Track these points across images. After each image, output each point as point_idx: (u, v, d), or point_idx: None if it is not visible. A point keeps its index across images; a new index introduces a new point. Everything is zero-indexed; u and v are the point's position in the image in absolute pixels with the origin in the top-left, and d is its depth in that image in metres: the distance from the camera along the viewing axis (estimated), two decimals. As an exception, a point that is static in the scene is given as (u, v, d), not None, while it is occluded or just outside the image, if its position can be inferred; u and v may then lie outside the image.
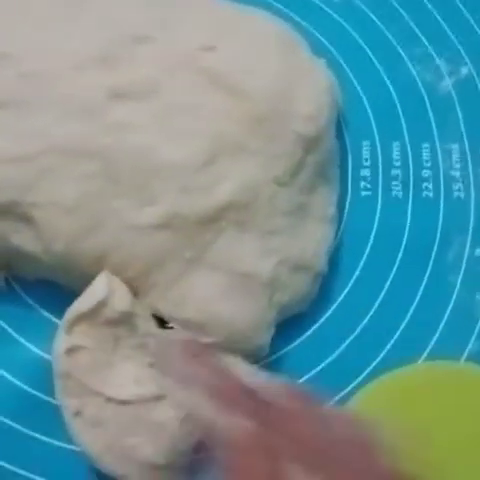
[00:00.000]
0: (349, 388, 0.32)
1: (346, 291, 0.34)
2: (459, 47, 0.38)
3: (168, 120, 0.29)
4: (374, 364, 0.33)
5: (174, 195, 0.28)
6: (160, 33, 0.30)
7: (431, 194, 0.35)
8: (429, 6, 0.39)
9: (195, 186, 0.28)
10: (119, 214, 0.29)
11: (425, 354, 0.33)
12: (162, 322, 0.30)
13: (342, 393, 0.32)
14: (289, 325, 0.33)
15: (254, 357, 0.31)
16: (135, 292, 0.30)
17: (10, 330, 0.32)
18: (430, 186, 0.36)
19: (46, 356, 0.32)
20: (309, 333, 0.33)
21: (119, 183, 0.28)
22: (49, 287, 0.32)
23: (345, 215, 0.35)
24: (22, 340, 0.32)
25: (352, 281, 0.34)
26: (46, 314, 0.32)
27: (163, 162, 0.28)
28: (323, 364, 0.33)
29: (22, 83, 0.29)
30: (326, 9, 0.39)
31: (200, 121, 0.29)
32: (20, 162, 0.28)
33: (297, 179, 0.30)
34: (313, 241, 0.31)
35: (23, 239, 0.30)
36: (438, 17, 0.39)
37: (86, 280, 0.31)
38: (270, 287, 0.30)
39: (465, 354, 0.33)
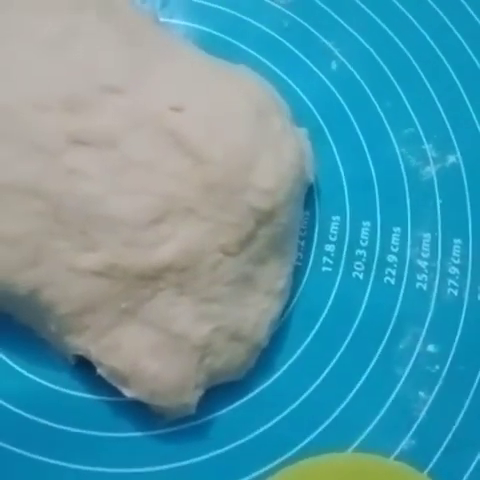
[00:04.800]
0: (270, 466, 0.35)
1: (286, 366, 0.36)
2: (450, 134, 0.41)
3: (122, 174, 0.32)
4: (301, 445, 0.35)
5: (116, 247, 0.32)
6: (130, 85, 0.33)
7: (393, 281, 0.38)
8: (428, 86, 0.42)
9: (138, 242, 0.32)
10: (59, 254, 0.32)
11: (355, 444, 0.35)
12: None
13: (262, 470, 0.35)
14: (223, 392, 0.35)
15: (179, 416, 0.34)
16: (68, 330, 0.33)
17: None
18: (393, 272, 0.38)
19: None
20: (241, 402, 0.36)
21: (63, 226, 0.32)
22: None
23: (301, 287, 0.38)
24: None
25: (294, 357, 0.37)
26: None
27: (109, 213, 0.32)
28: (250, 436, 0.35)
29: None
30: (319, 74, 0.42)
31: (153, 179, 0.32)
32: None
33: (246, 250, 0.33)
34: (256, 313, 0.34)
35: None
36: (435, 99, 0.41)
37: (24, 313, 0.34)
38: (201, 351, 0.33)
39: (396, 452, 0.35)
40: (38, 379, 0.36)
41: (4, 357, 0.36)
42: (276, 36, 0.42)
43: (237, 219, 0.33)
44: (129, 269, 0.32)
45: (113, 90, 0.33)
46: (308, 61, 0.42)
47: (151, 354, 0.32)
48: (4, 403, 0.35)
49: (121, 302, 0.32)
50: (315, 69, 0.42)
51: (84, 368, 0.35)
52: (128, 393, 0.33)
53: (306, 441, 0.35)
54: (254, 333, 0.34)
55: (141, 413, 0.35)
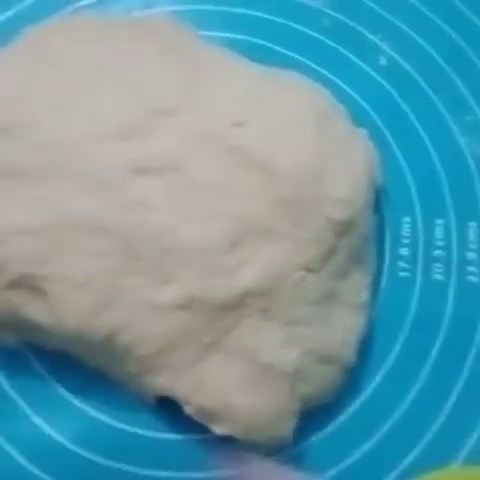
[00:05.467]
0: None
1: (376, 382, 0.34)
2: (513, 116, 0.39)
3: (191, 199, 0.30)
4: (403, 465, 0.33)
5: (194, 277, 0.30)
6: (185, 105, 0.32)
7: (476, 279, 0.36)
8: (483, 70, 0.40)
9: (216, 270, 0.30)
10: (134, 292, 0.30)
11: (460, 458, 0.33)
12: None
13: (367, 495, 0.33)
14: (313, 416, 0.33)
15: (276, 449, 0.32)
16: (150, 370, 0.31)
17: (21, 403, 0.34)
18: (475, 270, 0.36)
19: (54, 434, 0.33)
20: (334, 426, 0.34)
21: (136, 261, 0.30)
22: (65, 360, 0.34)
23: (379, 297, 0.36)
24: (32, 416, 0.34)
25: (383, 371, 0.35)
26: (60, 389, 0.34)
27: (184, 243, 0.30)
28: (348, 460, 0.33)
29: (39, 153, 0.31)
30: (369, 71, 0.40)
31: (225, 202, 0.30)
32: (34, 235, 0.31)
33: (327, 265, 0.31)
34: (342, 331, 0.32)
35: (35, 311, 0.31)
36: (492, 82, 0.40)
37: (100, 356, 0.32)
38: (293, 378, 0.31)
39: (505, 460, 0.33)
40: (116, 423, 0.34)
41: (78, 403, 0.34)
42: (318, 36, 0.40)
43: (316, 234, 0.31)
44: (210, 300, 0.30)
45: (168, 112, 0.31)
46: (355, 58, 0.40)
47: (241, 387, 0.30)
48: (84, 452, 0.33)
49: (204, 335, 0.30)
50: (364, 66, 0.40)
51: (163, 407, 0.33)
52: (219, 430, 0.31)
53: (408, 460, 0.33)
54: (343, 352, 0.32)
55: (231, 448, 0.33)
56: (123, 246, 0.30)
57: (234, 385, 0.30)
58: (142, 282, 0.30)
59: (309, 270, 0.31)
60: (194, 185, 0.30)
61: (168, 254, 0.30)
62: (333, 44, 0.40)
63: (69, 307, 0.30)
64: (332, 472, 0.33)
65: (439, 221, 0.37)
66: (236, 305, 0.30)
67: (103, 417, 0.34)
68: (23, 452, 0.33)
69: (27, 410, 0.34)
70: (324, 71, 0.40)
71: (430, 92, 0.39)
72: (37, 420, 0.34)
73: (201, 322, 0.30)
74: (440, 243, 0.37)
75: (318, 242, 0.31)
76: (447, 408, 0.34)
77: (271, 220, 0.30)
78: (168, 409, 0.33)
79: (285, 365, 0.30)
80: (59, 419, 0.34)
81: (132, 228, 0.30)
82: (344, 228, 0.31)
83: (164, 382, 0.31)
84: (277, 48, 0.40)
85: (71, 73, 0.32)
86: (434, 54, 0.40)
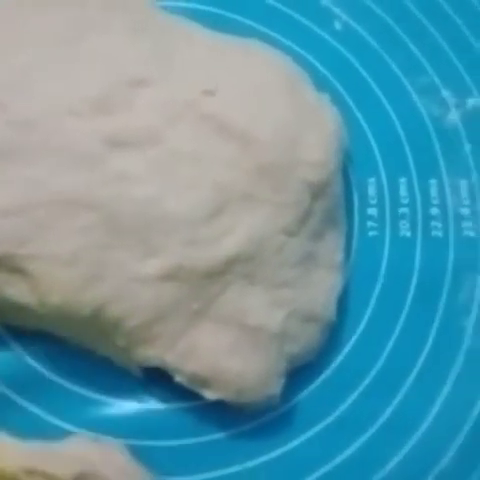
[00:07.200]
0: (364, 439, 0.34)
1: (355, 338, 0.36)
2: (466, 77, 0.40)
3: (170, 170, 0.30)
4: (385, 414, 0.35)
5: (179, 247, 0.30)
6: (158, 75, 0.32)
7: (440, 233, 0.38)
8: (434, 33, 0.41)
9: (200, 238, 0.30)
10: (120, 266, 0.30)
11: (436, 407, 0.35)
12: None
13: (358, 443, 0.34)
14: (298, 374, 0.34)
15: (261, 408, 0.33)
16: (139, 342, 0.31)
17: (8, 392, 0.34)
18: (439, 225, 0.38)
19: (47, 418, 0.33)
20: (319, 382, 0.35)
21: (120, 235, 0.30)
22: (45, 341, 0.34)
23: (352, 256, 0.37)
24: (19, 400, 0.33)
25: (361, 327, 0.36)
26: (42, 370, 0.34)
27: (166, 214, 0.30)
28: (335, 414, 0.34)
29: (12, 131, 0.31)
30: (326, 37, 0.41)
31: (204, 170, 0.31)
32: (13, 215, 0.30)
33: (305, 227, 0.32)
34: (322, 290, 0.33)
35: (16, 291, 0.31)
36: (444, 45, 0.41)
37: (84, 333, 0.32)
38: (280, 339, 0.32)
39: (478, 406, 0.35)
40: (103, 398, 0.34)
41: (62, 381, 0.34)
42: (272, 3, 0.41)
43: (294, 197, 0.32)
44: (195, 268, 0.30)
45: (141, 83, 0.31)
46: (311, 24, 0.41)
47: (230, 351, 0.31)
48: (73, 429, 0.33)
49: (191, 304, 0.31)
50: (319, 32, 0.41)
51: (150, 378, 0.34)
52: (211, 395, 0.32)
53: (391, 408, 0.34)
54: (324, 311, 0.33)
55: (221, 412, 0.33)
56: (106, 220, 0.30)
57: (224, 350, 0.31)
58: (128, 255, 0.30)
59: (289, 233, 0.32)
60: (173, 155, 0.30)
61: (151, 226, 0.30)
62: (288, 10, 0.41)
63: (54, 285, 0.30)
64: (320, 426, 0.34)
65: (402, 180, 0.38)
66: (221, 272, 0.31)
67: (90, 393, 0.34)
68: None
69: (13, 396, 0.34)
70: (281, 38, 0.40)
71: (385, 55, 0.41)
72: (24, 403, 0.33)
73: (188, 291, 0.30)
74: (405, 201, 0.38)
75: (296, 205, 0.32)
76: (423, 355, 0.36)
77: (250, 187, 0.31)
78: (155, 380, 0.34)
79: (272, 327, 0.31)
80: (45, 400, 0.34)
81: (114, 201, 0.30)
82: (319, 190, 0.32)
83: (154, 352, 0.31)
84: (233, 16, 0.40)
85: (38, 43, 0.32)
86: (386, 18, 0.41)
